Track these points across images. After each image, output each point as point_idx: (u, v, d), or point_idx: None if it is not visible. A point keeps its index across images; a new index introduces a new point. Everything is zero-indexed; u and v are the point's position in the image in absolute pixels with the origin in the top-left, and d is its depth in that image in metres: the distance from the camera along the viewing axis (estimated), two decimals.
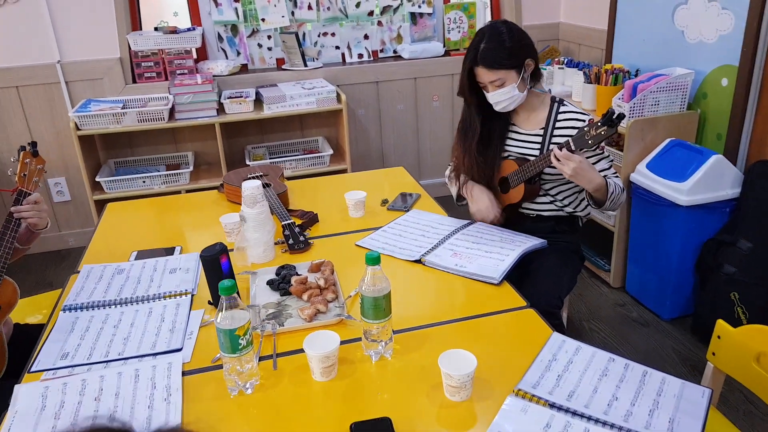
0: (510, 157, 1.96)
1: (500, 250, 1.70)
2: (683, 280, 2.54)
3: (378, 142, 3.74)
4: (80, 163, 3.01)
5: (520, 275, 1.90)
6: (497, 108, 1.86)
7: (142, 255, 1.84)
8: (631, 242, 2.74)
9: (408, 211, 2.04)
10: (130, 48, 3.15)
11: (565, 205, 1.98)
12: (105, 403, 1.21)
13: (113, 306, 1.57)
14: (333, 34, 3.54)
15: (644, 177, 2.54)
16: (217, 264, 1.48)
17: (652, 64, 2.88)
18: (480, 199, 1.96)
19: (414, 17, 3.64)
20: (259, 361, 1.32)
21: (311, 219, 1.97)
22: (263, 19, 3.38)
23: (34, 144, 1.61)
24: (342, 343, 1.33)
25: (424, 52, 3.57)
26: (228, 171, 3.22)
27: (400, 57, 3.65)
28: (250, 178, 2.16)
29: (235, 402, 1.22)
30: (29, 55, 3.09)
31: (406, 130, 3.76)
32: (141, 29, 3.32)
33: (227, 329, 1.17)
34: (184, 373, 1.30)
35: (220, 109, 3.14)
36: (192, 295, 1.61)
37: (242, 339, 1.19)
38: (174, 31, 3.14)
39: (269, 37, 3.46)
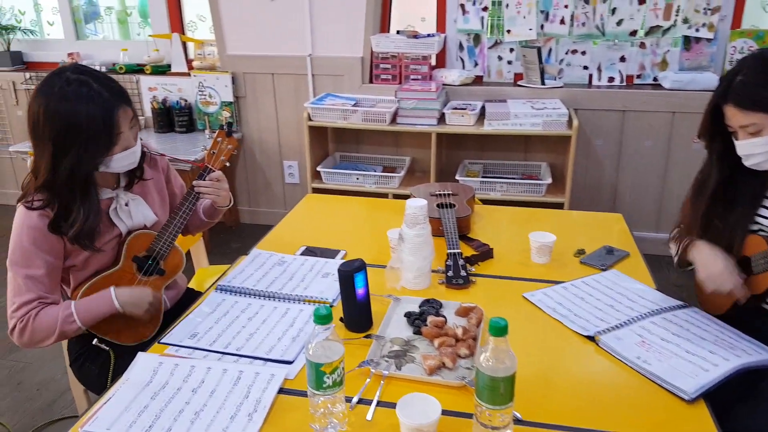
0: (760, 232, 1.46)
1: (708, 355, 1.26)
2: None
3: (613, 178, 3.26)
4: (307, 150, 3.21)
5: (737, 394, 1.39)
6: (747, 163, 1.39)
7: (308, 251, 1.82)
8: None
9: (605, 270, 1.67)
10: (372, 49, 3.24)
11: None
12: (198, 398, 1.18)
13: (258, 297, 1.56)
14: (583, 53, 3.18)
15: None
16: (350, 281, 1.35)
17: None
18: (712, 262, 1.45)
19: (687, 42, 3.07)
20: (358, 402, 1.16)
21: (484, 253, 1.73)
22: (509, 31, 3.18)
23: (230, 125, 1.67)
24: (452, 414, 1.10)
25: (692, 83, 2.98)
26: (437, 181, 3.12)
27: (659, 86, 3.12)
28: (436, 195, 2.01)
29: None
30: (286, 46, 3.39)
31: (651, 172, 3.21)
32: (388, 32, 3.40)
33: (314, 362, 1.03)
34: (281, 390, 1.20)
35: (441, 119, 3.05)
36: (331, 306, 1.51)
37: (328, 377, 1.03)
38: (414, 35, 3.13)
39: (511, 50, 3.25)
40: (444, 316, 1.39)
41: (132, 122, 1.45)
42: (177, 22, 3.68)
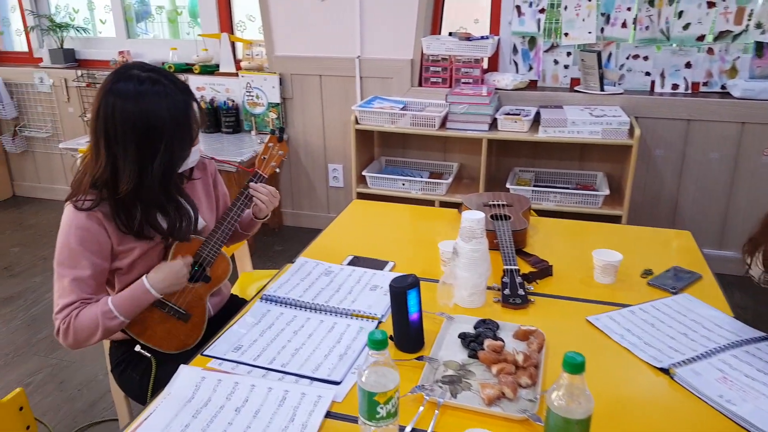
0: None
1: None
2: None
3: (673, 192, 3.09)
4: (353, 154, 3.14)
5: None
6: None
7: (355, 261, 1.74)
8: None
9: (676, 293, 1.54)
10: (422, 51, 3.16)
11: None
12: (242, 418, 1.11)
13: (304, 309, 1.49)
14: (646, 58, 3.02)
15: None
16: (403, 298, 1.26)
17: None
18: None
19: (760, 48, 2.88)
20: None
21: (543, 270, 1.62)
22: (566, 34, 3.05)
23: (281, 129, 1.61)
24: None
25: (764, 92, 2.79)
26: (487, 190, 3.01)
27: (728, 94, 2.94)
28: (489, 206, 1.90)
29: None
30: (335, 48, 3.34)
31: (716, 186, 3.02)
32: (440, 34, 3.30)
33: (367, 390, 0.95)
34: (328, 414, 1.12)
35: (493, 125, 2.93)
36: (379, 323, 1.43)
37: (382, 407, 0.95)
38: (467, 37, 3.03)
39: (568, 53, 3.11)
40: (502, 339, 1.29)
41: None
42: (226, 22, 3.68)
